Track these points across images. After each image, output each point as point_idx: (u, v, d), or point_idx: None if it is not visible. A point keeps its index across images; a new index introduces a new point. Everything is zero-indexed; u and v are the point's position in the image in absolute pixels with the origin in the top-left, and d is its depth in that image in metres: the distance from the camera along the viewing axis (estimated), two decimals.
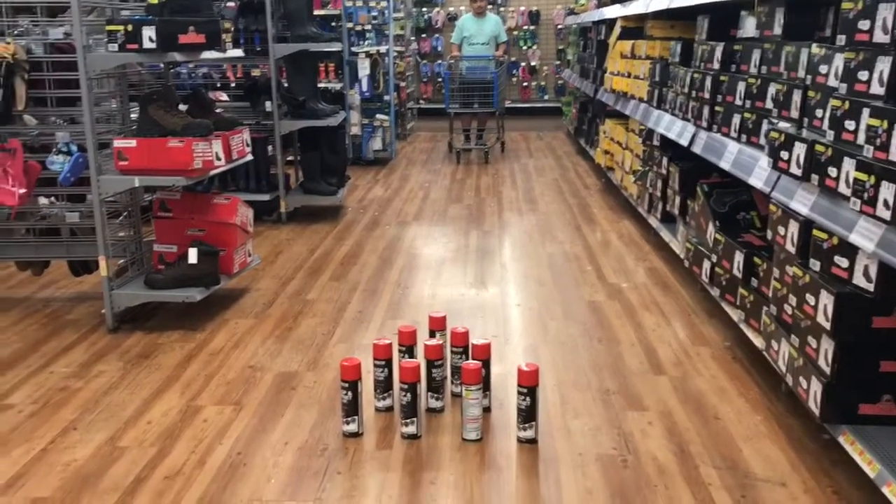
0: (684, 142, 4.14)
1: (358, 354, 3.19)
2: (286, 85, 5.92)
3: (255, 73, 6.00)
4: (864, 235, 2.15)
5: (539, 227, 5.71)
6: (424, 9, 13.43)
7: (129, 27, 3.36)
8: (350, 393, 2.70)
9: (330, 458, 2.60)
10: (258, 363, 3.35)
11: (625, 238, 5.39)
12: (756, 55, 3.26)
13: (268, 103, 5.64)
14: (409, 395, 2.69)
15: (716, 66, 3.78)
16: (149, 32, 3.33)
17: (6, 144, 3.59)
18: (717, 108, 3.71)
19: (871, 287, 2.24)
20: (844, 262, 2.34)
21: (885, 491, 2.09)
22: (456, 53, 8.98)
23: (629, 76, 5.88)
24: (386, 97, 8.49)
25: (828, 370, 2.36)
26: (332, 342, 3.58)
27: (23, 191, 3.60)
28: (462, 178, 7.68)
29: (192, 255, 3.66)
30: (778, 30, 3.09)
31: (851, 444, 2.29)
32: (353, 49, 8.15)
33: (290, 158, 6.33)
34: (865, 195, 2.12)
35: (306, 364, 3.34)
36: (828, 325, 2.35)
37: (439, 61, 13.31)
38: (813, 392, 2.45)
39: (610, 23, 7.21)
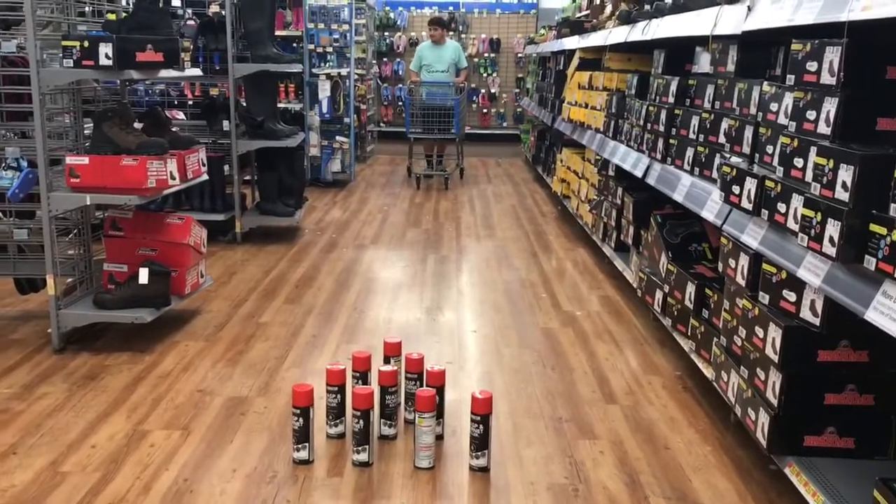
0: (639, 173, 4.20)
1: (311, 379, 3.16)
2: (245, 104, 5.88)
3: (214, 91, 5.94)
4: (811, 271, 2.20)
5: (496, 253, 5.73)
6: (387, 33, 13.51)
7: (86, 43, 3.31)
8: (301, 419, 2.67)
9: (279, 486, 2.56)
10: (208, 387, 3.29)
11: (579, 266, 5.44)
12: (710, 90, 3.33)
13: (225, 122, 5.60)
14: (361, 421, 2.66)
15: (671, 99, 3.86)
16: (105, 49, 3.29)
17: None
18: (671, 141, 3.78)
19: (817, 321, 2.29)
20: (792, 296, 2.39)
21: None
22: (416, 79, 9.02)
23: (586, 107, 5.96)
24: (346, 119, 8.48)
25: (775, 402, 2.40)
26: (285, 367, 3.54)
27: None
28: (421, 203, 7.69)
29: (143, 276, 3.60)
30: (731, 66, 3.16)
31: (797, 476, 2.33)
32: (314, 71, 8.14)
33: (246, 178, 6.28)
34: (812, 231, 2.17)
35: (257, 389, 3.30)
36: (776, 358, 2.39)
37: (400, 85, 13.38)
38: (761, 423, 2.48)
39: (569, 53, 7.32)
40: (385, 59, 13.46)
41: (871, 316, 1.90)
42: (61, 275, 3.66)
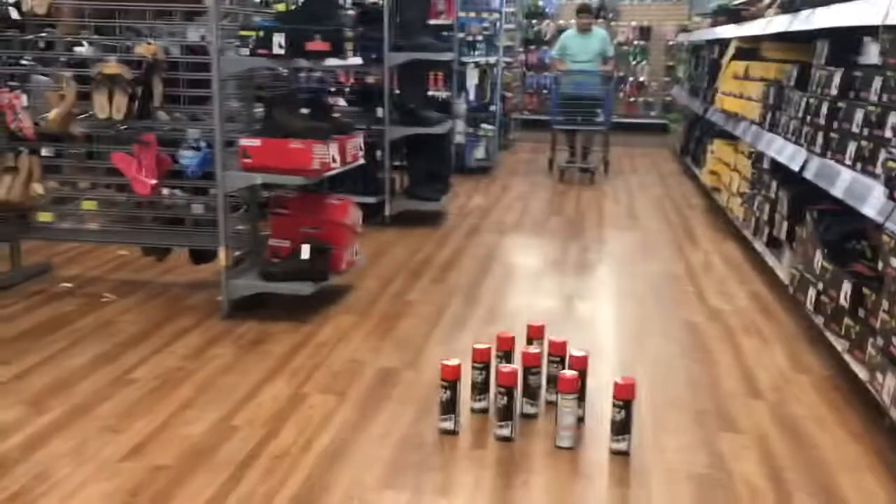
0: (795, 167, 4.08)
1: (455, 356, 3.29)
2: (397, 92, 6.10)
3: (370, 79, 6.20)
4: None
5: (640, 244, 5.70)
6: (534, 21, 13.52)
7: (261, 33, 3.58)
8: (449, 392, 2.81)
9: (426, 453, 2.71)
10: (361, 357, 3.50)
11: (728, 260, 5.33)
12: (877, 83, 3.21)
13: (379, 109, 5.83)
14: (505, 398, 2.77)
15: (833, 91, 3.72)
16: (279, 39, 3.54)
17: (143, 137, 3.87)
18: (832, 135, 3.66)
19: None
20: None
21: None
22: (560, 67, 8.66)
23: (741, 97, 5.81)
24: (492, 107, 8.60)
25: None
26: (431, 344, 3.71)
27: (154, 181, 3.88)
28: (563, 191, 7.72)
29: (305, 251, 3.85)
30: None
31: None
32: (463, 59, 8.29)
33: (395, 164, 6.52)
34: None
35: (405, 362, 3.47)
36: None
37: (545, 73, 13.38)
38: None
39: (723, 42, 7.12)
40: (531, 47, 13.48)
41: None
42: (231, 247, 3.97)
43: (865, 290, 3.10)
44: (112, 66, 3.89)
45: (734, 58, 6.36)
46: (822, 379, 3.40)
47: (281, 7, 4.46)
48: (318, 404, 3.05)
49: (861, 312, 3.11)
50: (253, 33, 3.57)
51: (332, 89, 5.99)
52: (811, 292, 3.68)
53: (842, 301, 3.25)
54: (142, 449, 2.69)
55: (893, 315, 2.70)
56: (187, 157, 3.81)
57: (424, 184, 6.13)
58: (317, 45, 3.65)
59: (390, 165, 5.98)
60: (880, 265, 2.86)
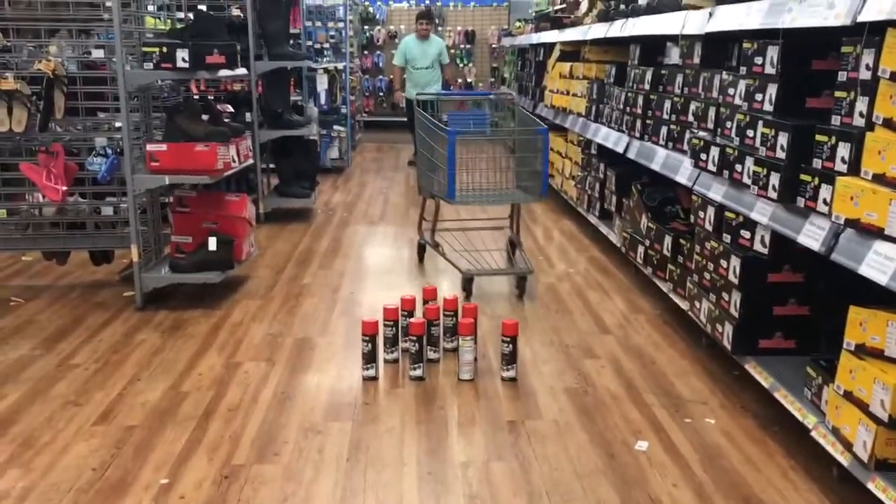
0: (620, 149, 4.97)
1: (359, 325, 3.87)
2: (263, 98, 6.54)
3: (236, 87, 6.60)
4: (761, 213, 2.97)
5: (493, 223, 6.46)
6: (366, 27, 14.15)
7: (164, 49, 3.98)
8: (370, 344, 3.39)
9: (356, 395, 3.28)
10: (277, 331, 4.00)
11: (567, 234, 6.21)
12: (679, 79, 4.09)
13: (248, 114, 6.26)
14: (416, 345, 3.39)
15: (646, 86, 4.62)
16: (182, 54, 3.96)
17: (51, 147, 4.15)
18: (647, 122, 4.54)
19: (766, 251, 3.07)
20: (747, 234, 3.17)
21: (776, 395, 2.90)
22: (398, 75, 9.27)
23: (568, 94, 6.72)
24: (343, 110, 9.16)
25: (736, 315, 3.18)
26: (335, 315, 4.25)
27: (64, 188, 4.17)
28: (417, 185, 8.38)
29: (212, 243, 4.28)
30: (696, 59, 3.92)
31: (753, 368, 3.11)
32: (312, 65, 8.78)
33: (263, 166, 6.94)
34: (760, 183, 2.94)
35: (317, 331, 4.01)
36: (736, 282, 3.16)
37: (381, 76, 14.07)
38: (726, 333, 3.26)
39: (547, 46, 8.06)
40: (366, 52, 14.10)
41: (802, 240, 2.67)
42: (139, 245, 4.32)
43: (682, 241, 3.98)
44: (8, 83, 4.14)
45: (559, 59, 7.28)
46: (655, 316, 4.26)
47: (159, 24, 4.86)
48: (252, 370, 3.53)
49: (680, 259, 3.99)
50: (156, 49, 3.96)
51: (211, 97, 6.33)
52: (640, 249, 4.55)
53: (665, 252, 4.12)
54: (108, 415, 3.08)
55: (703, 256, 3.55)
56: (96, 164, 4.13)
57: (294, 182, 6.61)
58: (215, 58, 4.09)
59: (261, 166, 6.41)
60: (692, 218, 3.73)
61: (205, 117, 4.38)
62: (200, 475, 2.65)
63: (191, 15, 5.61)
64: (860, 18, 2.35)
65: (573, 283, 4.88)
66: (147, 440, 2.88)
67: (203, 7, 5.75)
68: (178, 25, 4.61)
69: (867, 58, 2.42)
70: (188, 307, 4.32)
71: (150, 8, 5.15)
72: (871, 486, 2.29)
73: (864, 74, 2.44)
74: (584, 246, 5.82)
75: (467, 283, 4.51)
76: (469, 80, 14.16)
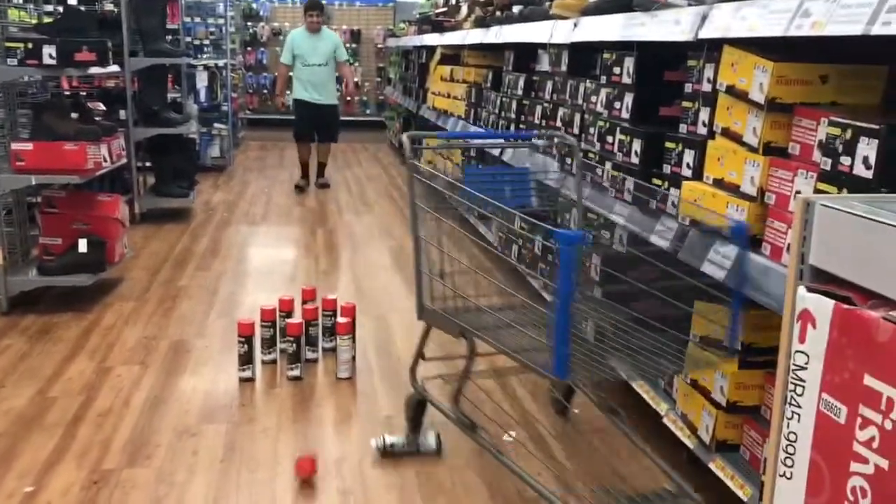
0: (496, 153, 5.13)
1: (235, 327, 3.86)
2: (139, 95, 6.38)
3: (109, 84, 6.41)
4: (619, 214, 3.16)
5: (376, 225, 6.55)
6: (249, 23, 13.93)
7: (30, 45, 3.85)
8: (246, 346, 3.40)
9: (232, 397, 3.28)
10: (151, 334, 3.94)
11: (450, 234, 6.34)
12: (549, 85, 4.28)
13: (122, 112, 6.09)
14: (294, 345, 3.42)
15: (520, 92, 4.79)
16: (49, 50, 3.84)
17: None
18: (521, 126, 4.72)
19: (624, 249, 3.26)
20: (607, 234, 3.36)
21: (634, 385, 3.10)
22: (284, 74, 8.14)
23: (449, 96, 6.86)
24: (224, 107, 9.01)
25: None
26: (211, 318, 4.22)
27: None
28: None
29: (83, 245, 4.17)
30: (564, 67, 4.11)
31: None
32: (192, 62, 8.61)
33: (138, 165, 6.77)
34: (618, 186, 3.13)
35: (194, 334, 3.97)
36: (597, 279, 3.35)
37: (265, 73, 13.89)
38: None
39: (430, 48, 8.19)
40: (249, 48, 13.89)
41: (654, 239, 2.87)
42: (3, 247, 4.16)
43: (550, 242, 4.16)
44: None
45: (440, 62, 7.42)
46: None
47: (26, 17, 4.68)
48: (124, 374, 3.47)
49: (549, 257, 4.17)
50: (21, 45, 3.82)
51: (84, 94, 6.12)
52: (514, 248, 4.72)
53: (536, 251, 4.30)
54: None
55: None
56: None
57: (171, 181, 6.47)
58: (84, 55, 3.99)
59: (136, 165, 6.25)
60: (558, 220, 3.91)
61: (74, 115, 4.25)
62: (68, 481, 2.60)
63: (60, 8, 5.44)
64: (701, 35, 2.55)
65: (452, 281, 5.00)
66: (11, 448, 2.80)
67: (73, 1, 5.56)
68: (46, 19, 4.44)
69: (708, 71, 2.63)
70: (57, 311, 4.19)
71: (17, 0, 4.95)
72: (712, 466, 2.49)
73: (706, 87, 2.65)
74: (465, 245, 5.96)
75: None
76: (355, 79, 14.15)
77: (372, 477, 2.69)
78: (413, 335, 3.96)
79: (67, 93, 6.54)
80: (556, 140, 3.74)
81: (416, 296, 2.76)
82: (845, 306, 1.21)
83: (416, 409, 2.91)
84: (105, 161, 4.18)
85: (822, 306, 1.24)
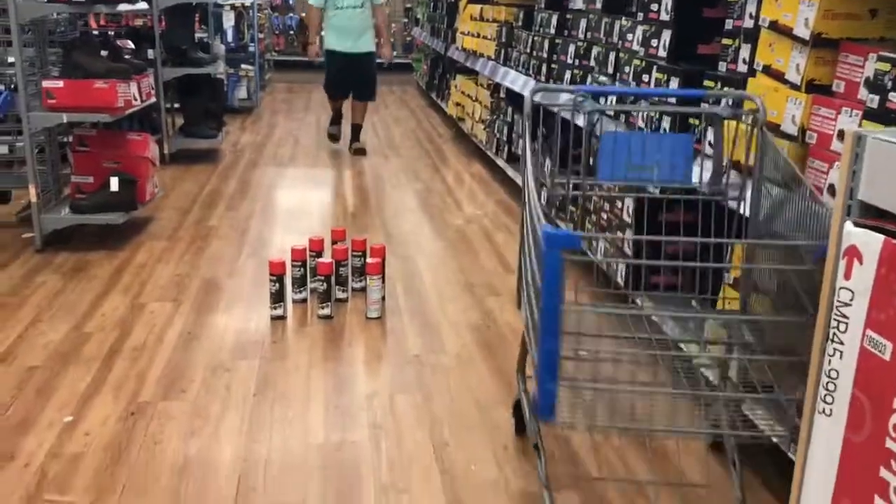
0: (526, 93, 5.05)
1: (266, 266, 3.89)
2: (167, 34, 6.34)
3: (138, 22, 6.37)
4: None
5: (403, 168, 6.51)
6: None
7: None
8: (277, 284, 3.42)
9: (264, 334, 3.32)
10: (183, 272, 3.98)
11: (476, 177, 6.31)
12: (583, 23, 4.18)
13: (150, 51, 6.07)
14: (324, 284, 3.44)
15: (552, 31, 4.69)
16: None
17: None
18: (552, 66, 4.63)
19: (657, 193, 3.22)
20: None
21: None
22: (315, 20, 6.96)
23: (479, 36, 6.75)
24: (251, 48, 8.93)
25: (631, 253, 3.34)
26: (242, 257, 4.25)
27: None
28: (327, 126, 8.31)
29: (114, 184, 4.19)
30: (599, 4, 4.01)
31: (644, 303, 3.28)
32: (219, 1, 8.52)
33: (167, 105, 6.76)
34: (653, 126, 3.07)
35: (225, 273, 4.00)
36: (629, 220, 3.32)
37: (290, 14, 13.74)
38: (620, 272, 3.43)
39: None
40: None
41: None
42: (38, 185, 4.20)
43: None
44: None
45: (470, 1, 7.28)
46: None
47: None
48: (157, 310, 3.52)
49: (579, 201, 4.13)
50: None
51: (111, 33, 6.09)
52: (544, 192, 4.68)
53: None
54: (8, 356, 3.04)
55: (601, 198, 3.70)
56: None
57: (200, 122, 6.47)
58: None
59: (165, 106, 6.25)
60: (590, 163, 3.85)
61: (104, 53, 4.24)
62: (106, 412, 2.66)
63: None
64: None
65: (481, 225, 4.99)
66: (49, 380, 2.86)
67: None
68: None
69: (750, 6, 2.55)
70: (90, 249, 4.24)
71: None
72: None
73: (748, 23, 2.57)
74: (493, 189, 5.93)
75: None
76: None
77: (402, 412, 2.72)
78: (441, 277, 3.98)
79: (95, 32, 6.51)
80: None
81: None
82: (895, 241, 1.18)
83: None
84: (135, 100, 4.17)
85: (871, 241, 1.21)
